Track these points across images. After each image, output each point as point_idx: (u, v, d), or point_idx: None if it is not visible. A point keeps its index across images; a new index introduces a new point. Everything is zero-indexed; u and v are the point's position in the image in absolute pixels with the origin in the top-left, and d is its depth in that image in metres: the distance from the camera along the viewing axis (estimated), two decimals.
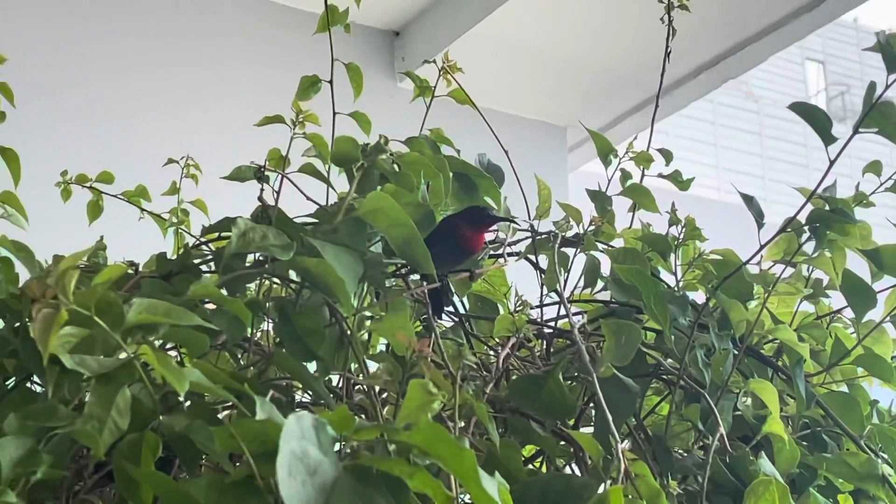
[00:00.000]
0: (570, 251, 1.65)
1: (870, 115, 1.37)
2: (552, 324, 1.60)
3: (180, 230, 1.92)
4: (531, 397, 1.34)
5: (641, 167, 1.77)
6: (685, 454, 1.49)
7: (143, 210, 1.94)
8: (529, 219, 1.68)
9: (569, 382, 1.48)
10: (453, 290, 1.58)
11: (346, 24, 1.64)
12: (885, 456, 1.57)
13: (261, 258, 1.34)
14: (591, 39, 4.13)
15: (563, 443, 1.43)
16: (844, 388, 1.66)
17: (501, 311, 1.68)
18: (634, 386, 1.34)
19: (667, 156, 1.80)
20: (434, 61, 1.72)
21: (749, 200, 1.51)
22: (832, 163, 1.40)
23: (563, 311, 1.54)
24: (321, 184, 1.49)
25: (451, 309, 1.58)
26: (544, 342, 1.57)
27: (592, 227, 1.63)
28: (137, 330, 1.05)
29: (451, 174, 1.55)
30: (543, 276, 1.62)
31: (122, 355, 1.03)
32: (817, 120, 1.41)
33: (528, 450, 1.51)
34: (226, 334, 1.21)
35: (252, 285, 1.43)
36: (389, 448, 0.94)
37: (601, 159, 1.75)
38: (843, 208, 1.45)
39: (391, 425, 0.95)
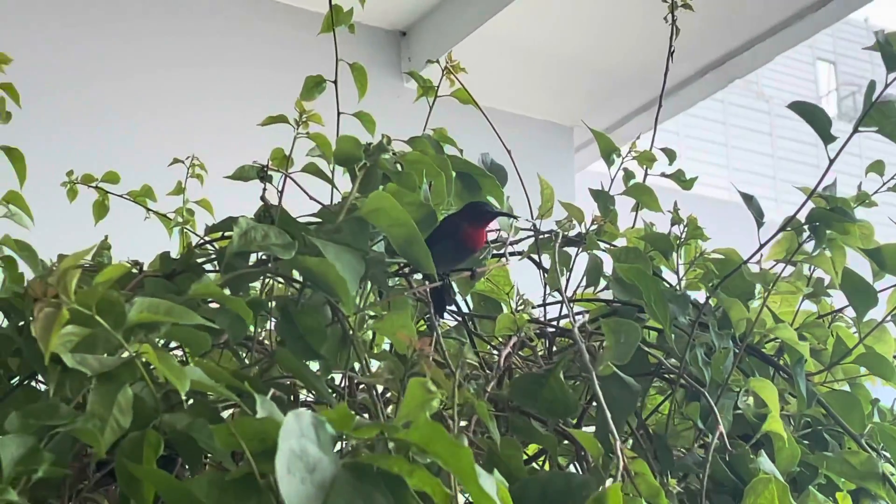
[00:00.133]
0: (572, 250, 1.65)
1: (870, 113, 1.37)
2: (554, 323, 1.60)
3: (185, 230, 1.92)
4: (532, 396, 1.35)
5: (644, 166, 1.77)
6: (686, 453, 1.49)
7: (148, 210, 1.94)
8: (532, 218, 1.68)
9: (572, 382, 1.49)
10: (455, 290, 1.59)
11: (351, 24, 1.64)
12: (887, 454, 1.57)
13: (264, 257, 1.34)
14: (597, 39, 4.13)
15: (566, 442, 1.43)
16: (846, 387, 1.66)
17: (505, 310, 1.68)
18: (635, 384, 1.35)
19: (670, 155, 1.81)
20: (437, 61, 1.72)
21: (749, 199, 1.51)
22: (832, 161, 1.41)
23: (565, 311, 1.54)
24: (327, 183, 1.50)
25: (453, 308, 1.59)
26: (547, 341, 1.58)
27: (594, 227, 1.63)
28: (139, 329, 1.06)
29: (453, 174, 1.55)
30: (546, 275, 1.62)
31: (125, 354, 1.03)
32: (816, 119, 1.42)
33: (532, 448, 1.52)
34: (228, 333, 1.22)
35: (257, 284, 1.44)
36: (389, 446, 0.94)
37: (604, 159, 1.75)
38: (843, 207, 1.45)
39: (390, 423, 0.96)
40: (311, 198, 1.49)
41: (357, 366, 1.34)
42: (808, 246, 1.56)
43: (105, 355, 1.04)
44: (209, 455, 1.16)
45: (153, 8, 3.82)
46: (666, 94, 1.96)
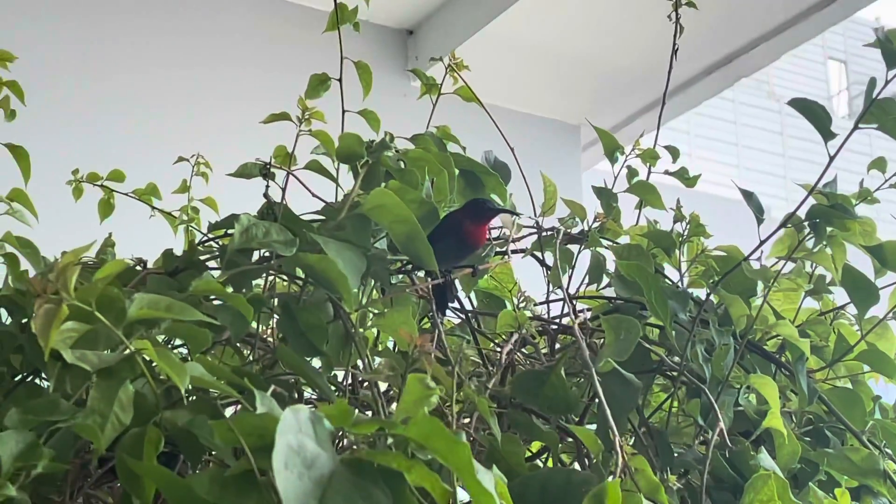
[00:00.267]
0: (575, 248, 1.65)
1: (870, 110, 1.37)
2: (556, 320, 1.60)
3: (190, 228, 1.92)
4: (534, 393, 1.35)
5: (648, 164, 1.78)
6: (687, 449, 1.49)
7: (153, 208, 1.95)
8: (535, 216, 1.68)
9: (576, 379, 1.49)
10: (457, 287, 1.59)
11: (356, 23, 1.65)
12: (890, 451, 1.57)
13: (267, 254, 1.35)
14: (604, 38, 4.13)
15: (570, 439, 1.43)
16: (849, 385, 1.66)
17: (508, 307, 1.68)
18: (636, 381, 1.34)
19: (674, 153, 1.81)
20: (441, 59, 1.72)
21: (748, 196, 1.51)
22: (832, 158, 1.41)
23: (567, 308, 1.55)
24: (332, 181, 1.50)
25: (456, 305, 1.59)
26: (549, 339, 1.58)
27: (597, 224, 1.63)
28: (139, 325, 1.06)
29: (456, 171, 1.55)
30: (549, 272, 1.62)
31: (125, 351, 1.03)
32: (816, 116, 1.42)
33: (536, 446, 1.52)
34: (229, 330, 1.22)
35: (261, 281, 1.44)
36: (388, 442, 0.94)
37: (608, 156, 1.75)
38: (844, 204, 1.45)
39: (389, 419, 0.96)
40: (313, 195, 1.49)
41: (361, 363, 1.34)
42: (811, 243, 1.56)
43: (108, 352, 1.04)
44: (213, 452, 1.16)
45: (158, 6, 3.82)
46: (673, 93, 1.97)
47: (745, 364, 1.57)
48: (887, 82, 1.38)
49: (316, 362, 1.32)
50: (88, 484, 1.19)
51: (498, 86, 4.03)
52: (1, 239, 1.42)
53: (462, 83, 1.72)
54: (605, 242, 1.64)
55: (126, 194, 1.93)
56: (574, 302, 1.57)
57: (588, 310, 1.64)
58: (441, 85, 1.73)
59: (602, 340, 1.43)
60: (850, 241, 1.54)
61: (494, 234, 1.65)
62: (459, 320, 1.64)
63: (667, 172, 1.78)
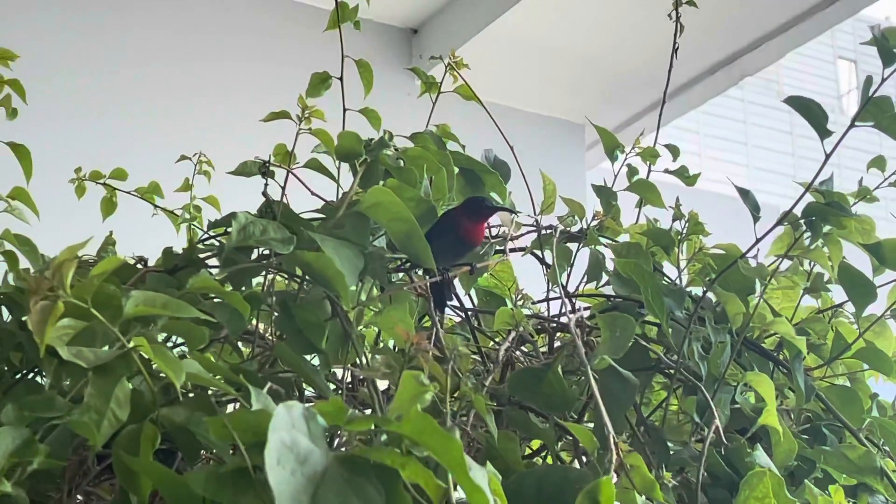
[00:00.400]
0: (574, 246, 1.66)
1: (867, 108, 1.38)
2: (554, 318, 1.60)
3: (192, 226, 1.93)
4: (531, 390, 1.35)
5: (648, 162, 1.78)
6: (683, 446, 1.49)
7: (156, 206, 1.95)
8: (535, 214, 1.68)
9: (577, 377, 1.49)
10: (454, 285, 1.59)
11: (356, 21, 1.65)
12: (888, 450, 1.57)
13: (267, 252, 1.35)
14: (608, 37, 4.13)
15: (570, 437, 1.44)
16: (847, 383, 1.67)
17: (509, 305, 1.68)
18: (633, 379, 1.35)
19: (674, 151, 1.81)
20: (440, 57, 1.72)
21: (745, 194, 1.52)
22: (828, 156, 1.41)
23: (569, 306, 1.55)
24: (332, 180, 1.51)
25: (455, 303, 1.59)
26: (548, 337, 1.58)
27: (596, 222, 1.64)
28: (136, 322, 1.06)
29: (456, 169, 1.55)
30: (549, 270, 1.63)
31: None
32: (812, 113, 1.42)
33: (536, 443, 1.52)
34: (226, 327, 1.22)
35: (261, 279, 1.44)
36: (382, 439, 0.95)
37: (608, 155, 1.76)
38: (840, 202, 1.45)
39: (383, 416, 0.96)
40: (312, 193, 1.50)
41: (362, 361, 1.35)
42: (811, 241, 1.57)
43: (106, 348, 1.05)
44: (213, 451, 1.17)
45: (161, 4, 3.83)
46: (678, 92, 1.97)
47: (742, 362, 1.57)
48: (884, 80, 1.39)
49: (317, 360, 1.32)
50: (87, 481, 1.19)
51: (502, 84, 4.03)
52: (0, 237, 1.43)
53: (462, 82, 1.72)
54: (604, 241, 1.65)
55: (129, 192, 1.93)
56: (573, 300, 1.58)
57: (587, 308, 1.64)
58: (441, 83, 1.74)
59: (598, 338, 1.43)
60: (847, 239, 1.54)
61: (494, 232, 1.65)
62: (460, 319, 1.64)
63: (667, 171, 1.78)
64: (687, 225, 1.63)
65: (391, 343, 1.55)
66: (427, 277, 1.46)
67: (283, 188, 1.45)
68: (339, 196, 1.47)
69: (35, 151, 1.69)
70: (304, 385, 1.36)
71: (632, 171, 1.76)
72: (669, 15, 1.81)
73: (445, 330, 1.56)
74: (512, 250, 1.64)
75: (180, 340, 1.31)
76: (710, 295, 1.54)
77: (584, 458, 1.38)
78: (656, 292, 1.43)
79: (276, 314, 1.35)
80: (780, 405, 1.56)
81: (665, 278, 1.61)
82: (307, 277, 1.33)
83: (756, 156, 13.41)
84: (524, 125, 4.27)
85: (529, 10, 3.81)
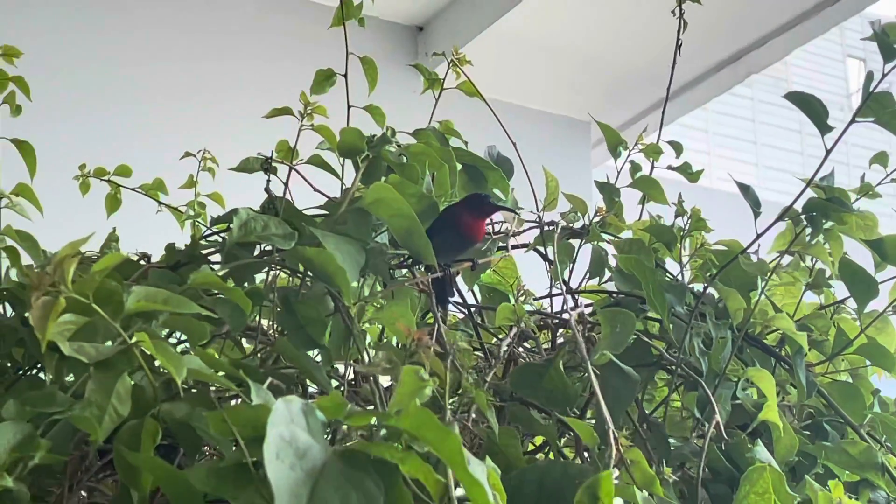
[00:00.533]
0: (576, 242, 1.66)
1: (867, 104, 1.38)
2: (556, 314, 1.61)
3: (197, 223, 1.93)
4: (533, 386, 1.35)
5: (651, 159, 1.78)
6: (684, 442, 1.49)
7: (160, 203, 1.96)
8: (538, 210, 1.68)
9: (580, 374, 1.49)
10: (455, 281, 1.59)
11: (361, 18, 1.65)
12: (890, 445, 1.57)
13: (270, 248, 1.35)
14: (614, 35, 4.13)
15: (572, 433, 1.44)
16: (849, 379, 1.67)
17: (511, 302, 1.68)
18: (634, 374, 1.35)
19: (677, 148, 1.81)
20: (443, 54, 1.73)
21: (745, 190, 1.52)
22: (829, 151, 1.41)
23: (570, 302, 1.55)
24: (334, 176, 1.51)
25: (457, 299, 1.59)
26: (551, 333, 1.58)
27: (598, 219, 1.64)
28: (137, 318, 1.07)
29: (458, 166, 1.56)
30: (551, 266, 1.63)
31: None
32: (812, 109, 1.42)
33: (540, 439, 1.52)
34: (228, 323, 1.23)
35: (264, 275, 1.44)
36: (381, 434, 0.95)
37: (611, 151, 1.76)
38: (841, 197, 1.45)
39: (383, 411, 0.96)
40: (315, 189, 1.50)
41: (366, 356, 1.35)
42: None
43: (109, 344, 1.05)
44: (216, 448, 1.17)
45: (165, 2, 3.84)
46: (683, 90, 1.98)
47: (744, 358, 1.57)
48: (884, 75, 1.39)
49: (320, 357, 1.33)
50: (88, 476, 1.19)
51: (508, 82, 4.04)
52: (1, 232, 1.43)
53: (465, 78, 1.72)
54: (606, 237, 1.65)
55: (133, 189, 1.94)
56: (576, 296, 1.58)
57: (589, 304, 1.64)
58: (444, 80, 1.74)
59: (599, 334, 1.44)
60: (849, 235, 1.54)
61: (496, 228, 1.65)
62: (463, 315, 1.64)
63: (670, 167, 1.78)
64: (689, 221, 1.63)
65: (395, 339, 1.56)
66: (429, 273, 1.46)
67: (286, 184, 1.45)
68: (342, 192, 1.47)
69: (39, 148, 1.69)
70: (308, 381, 1.36)
71: (635, 167, 1.76)
72: (673, 12, 1.81)
73: (448, 326, 1.56)
74: (514, 247, 1.64)
75: (184, 336, 1.31)
76: (712, 291, 1.54)
77: (585, 454, 1.38)
78: (657, 288, 1.43)
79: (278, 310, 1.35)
80: (782, 401, 1.56)
81: (667, 274, 1.61)
82: (309, 273, 1.33)
83: (765, 154, 13.37)
84: (530, 122, 4.28)
85: (535, 8, 3.81)
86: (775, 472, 1.24)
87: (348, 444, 0.92)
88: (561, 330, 1.56)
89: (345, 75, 1.63)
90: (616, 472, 1.16)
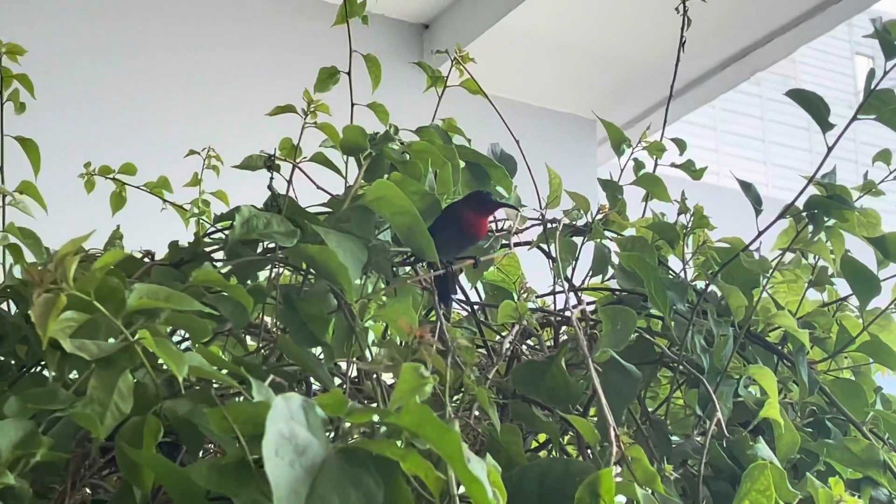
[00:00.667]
0: (578, 240, 1.66)
1: (869, 101, 1.38)
2: (558, 311, 1.61)
3: (201, 221, 1.93)
4: (535, 383, 1.35)
5: (654, 157, 1.78)
6: (686, 439, 1.49)
7: (165, 201, 1.96)
8: (541, 208, 1.68)
9: (583, 371, 1.49)
10: (458, 278, 1.59)
11: (364, 16, 1.65)
12: (893, 443, 1.57)
13: (273, 246, 1.36)
14: (620, 32, 4.13)
15: (575, 430, 1.44)
16: (852, 376, 1.67)
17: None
18: (636, 372, 1.35)
19: (681, 145, 1.81)
20: (447, 52, 1.73)
21: (747, 187, 1.52)
22: (830, 149, 1.41)
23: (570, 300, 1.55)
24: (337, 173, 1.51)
25: (460, 296, 1.59)
26: (553, 330, 1.58)
27: (601, 216, 1.64)
28: (139, 315, 1.07)
29: (462, 163, 1.56)
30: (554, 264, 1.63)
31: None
32: (813, 106, 1.42)
33: (543, 436, 1.52)
34: (230, 320, 1.23)
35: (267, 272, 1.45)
36: (382, 430, 0.95)
37: (614, 149, 1.76)
38: (842, 195, 1.45)
39: (384, 408, 0.96)
40: (318, 187, 1.50)
41: (368, 354, 1.35)
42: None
43: (111, 341, 1.05)
44: (219, 445, 1.17)
45: (168, 3, 3.84)
46: (688, 88, 1.97)
47: (747, 355, 1.57)
48: (886, 72, 1.39)
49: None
50: (91, 473, 1.19)
51: (513, 79, 4.03)
52: (4, 230, 1.44)
53: (468, 76, 1.72)
54: (609, 234, 1.65)
55: (138, 187, 1.94)
56: (578, 293, 1.58)
57: (592, 301, 1.64)
58: (447, 78, 1.74)
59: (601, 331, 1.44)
60: (851, 232, 1.54)
61: (499, 225, 1.65)
62: (466, 312, 1.64)
63: (673, 165, 1.78)
64: (692, 218, 1.63)
65: (398, 337, 1.56)
66: (431, 271, 1.46)
67: (289, 182, 1.45)
68: (345, 190, 1.47)
69: (43, 146, 1.70)
70: (312, 379, 1.37)
71: (638, 165, 1.76)
72: (677, 9, 1.81)
73: (452, 324, 1.57)
74: (517, 244, 1.64)
75: (187, 334, 1.32)
76: (714, 288, 1.54)
77: (588, 452, 1.38)
78: (659, 286, 1.43)
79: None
80: (784, 398, 1.56)
81: (669, 272, 1.61)
82: (312, 271, 1.33)
83: (773, 152, 13.34)
84: (535, 120, 4.28)
85: (541, 6, 3.81)
86: (777, 470, 1.24)
87: (349, 441, 0.93)
88: (564, 327, 1.56)
89: (348, 73, 1.63)
90: (617, 470, 1.16)
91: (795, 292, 1.67)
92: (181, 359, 1.01)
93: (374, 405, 1.32)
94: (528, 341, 1.55)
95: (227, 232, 1.46)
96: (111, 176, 1.94)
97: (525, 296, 1.50)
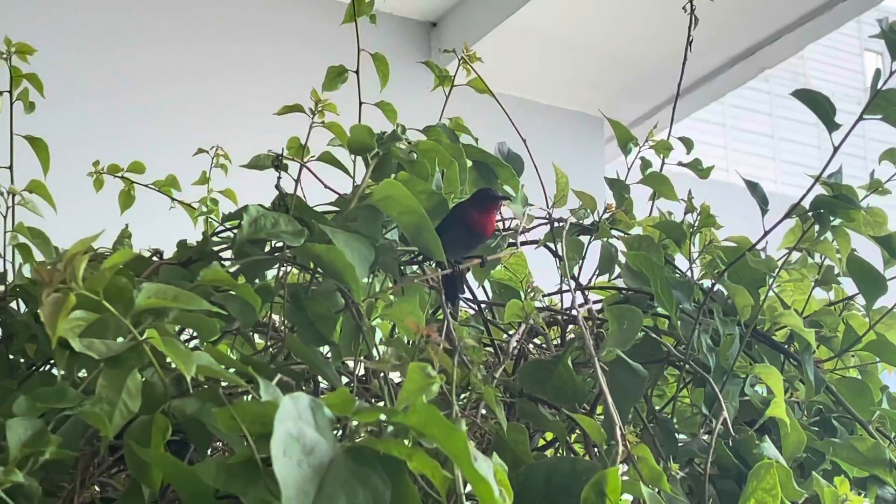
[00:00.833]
0: (585, 239, 1.66)
1: (875, 101, 1.38)
2: (565, 310, 1.61)
3: (210, 219, 1.94)
4: (541, 382, 1.36)
5: (661, 155, 1.78)
6: (692, 438, 1.50)
7: (173, 199, 1.96)
8: (548, 207, 1.69)
9: (590, 370, 1.49)
10: (466, 277, 1.60)
11: (372, 15, 1.65)
12: None
13: (280, 245, 1.36)
14: (627, 30, 4.13)
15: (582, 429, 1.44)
16: (859, 375, 1.67)
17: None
18: (643, 371, 1.35)
19: (688, 144, 1.81)
20: (454, 51, 1.73)
21: (753, 186, 1.52)
22: (837, 147, 1.41)
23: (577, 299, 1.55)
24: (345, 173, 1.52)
25: (467, 295, 1.59)
26: (560, 329, 1.58)
27: (607, 215, 1.64)
28: (148, 314, 1.07)
29: (469, 162, 1.56)
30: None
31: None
32: (819, 106, 1.42)
33: (550, 435, 1.53)
34: (238, 319, 1.23)
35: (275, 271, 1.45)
36: (389, 429, 0.95)
37: (621, 148, 1.76)
38: (848, 194, 1.45)
39: (391, 407, 0.97)
40: (325, 186, 1.51)
41: (375, 353, 1.35)
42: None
43: (120, 340, 1.06)
44: (227, 444, 1.17)
45: (176, 4, 3.85)
46: (696, 85, 1.97)
47: (753, 354, 1.57)
48: (892, 73, 1.39)
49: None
50: (100, 472, 1.20)
51: (521, 77, 4.03)
52: (14, 229, 1.44)
53: (475, 75, 1.73)
54: (616, 233, 1.65)
55: (146, 186, 1.94)
56: (585, 292, 1.58)
57: (599, 300, 1.64)
58: (454, 77, 1.74)
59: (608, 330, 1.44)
60: (857, 232, 1.54)
61: (506, 225, 1.65)
62: (474, 311, 1.65)
63: (680, 163, 1.78)
64: (699, 217, 1.63)
65: (405, 336, 1.56)
66: (438, 270, 1.46)
67: (297, 181, 1.46)
68: (353, 189, 1.48)
69: (52, 145, 1.70)
70: (320, 377, 1.37)
71: (645, 163, 1.76)
72: (684, 7, 1.81)
73: (459, 322, 1.57)
74: (524, 243, 1.64)
75: (195, 333, 1.32)
76: (720, 288, 1.55)
77: (595, 450, 1.39)
78: (665, 285, 1.43)
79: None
80: (790, 397, 1.56)
81: (676, 271, 1.62)
82: (319, 270, 1.33)
83: (782, 149, 13.33)
84: (543, 118, 4.28)
85: (548, 4, 3.81)
86: (783, 469, 1.24)
87: (357, 440, 0.93)
88: (570, 326, 1.57)
89: (356, 72, 1.63)
90: (624, 468, 1.17)
91: (802, 291, 1.67)
92: (189, 358, 1.01)
93: (382, 404, 1.32)
94: (535, 340, 1.56)
95: (235, 231, 1.47)
96: (120, 174, 1.94)
97: (532, 295, 1.50)
